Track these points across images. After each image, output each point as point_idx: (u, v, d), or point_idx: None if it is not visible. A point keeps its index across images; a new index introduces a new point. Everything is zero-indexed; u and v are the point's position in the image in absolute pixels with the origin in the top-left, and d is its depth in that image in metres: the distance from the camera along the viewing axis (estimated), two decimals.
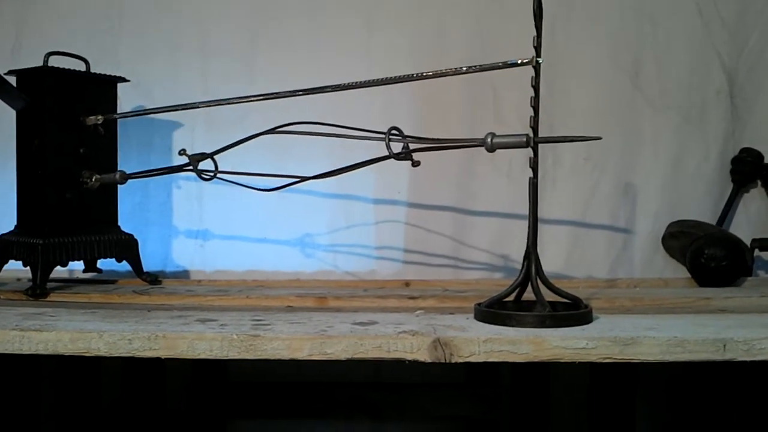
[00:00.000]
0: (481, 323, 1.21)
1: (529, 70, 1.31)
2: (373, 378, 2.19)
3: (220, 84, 2.31)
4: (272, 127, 1.62)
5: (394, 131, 1.37)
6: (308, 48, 2.29)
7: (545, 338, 1.06)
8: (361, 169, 1.57)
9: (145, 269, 2.01)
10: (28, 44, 2.37)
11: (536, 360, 1.04)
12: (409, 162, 1.39)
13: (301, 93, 1.61)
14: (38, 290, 1.73)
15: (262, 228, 2.33)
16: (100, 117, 1.84)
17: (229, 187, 2.23)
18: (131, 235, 2.00)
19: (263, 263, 2.31)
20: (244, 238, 2.33)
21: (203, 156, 1.65)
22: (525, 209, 2.33)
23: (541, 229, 2.30)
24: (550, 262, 2.20)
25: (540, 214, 2.31)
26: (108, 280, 2.07)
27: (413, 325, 1.18)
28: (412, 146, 1.38)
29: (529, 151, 1.34)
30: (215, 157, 1.69)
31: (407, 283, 2.00)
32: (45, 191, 1.80)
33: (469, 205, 2.27)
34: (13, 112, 1.88)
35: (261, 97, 1.67)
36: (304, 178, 1.65)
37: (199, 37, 2.34)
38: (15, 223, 1.89)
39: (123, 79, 1.98)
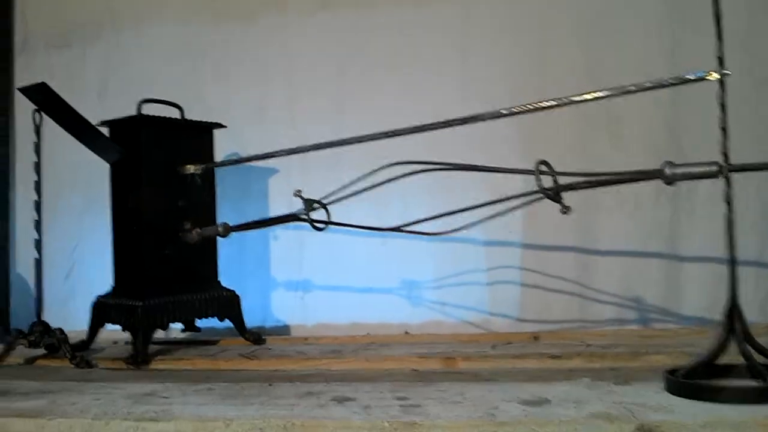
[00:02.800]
0: (681, 399, 0.99)
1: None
2: None
3: (309, 122, 2.17)
4: (378, 167, 1.46)
5: (542, 165, 1.17)
6: (399, 79, 2.14)
7: None
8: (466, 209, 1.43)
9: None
10: (114, 90, 2.30)
11: None
12: (526, 198, 1.21)
13: (419, 129, 1.43)
14: (140, 358, 1.59)
15: (366, 277, 2.15)
16: (198, 166, 1.72)
17: (331, 235, 2.09)
18: (233, 291, 1.86)
19: (368, 314, 2.13)
20: (346, 288, 2.16)
21: (316, 203, 1.48)
22: (656, 246, 2.11)
23: (679, 267, 2.08)
24: (692, 305, 1.96)
25: (676, 251, 2.10)
26: (208, 341, 1.93)
27: (597, 404, 0.97)
28: (565, 181, 1.19)
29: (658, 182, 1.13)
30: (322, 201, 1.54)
31: (536, 337, 1.78)
32: (143, 248, 1.68)
33: (593, 243, 2.03)
34: (105, 165, 1.80)
35: (373, 137, 1.51)
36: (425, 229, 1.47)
37: (285, 73, 2.22)
38: (111, 283, 1.79)
39: (219, 125, 1.85)
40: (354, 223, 1.53)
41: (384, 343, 1.78)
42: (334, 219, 1.50)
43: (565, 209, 1.18)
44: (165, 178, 1.71)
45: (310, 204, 1.45)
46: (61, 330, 1.64)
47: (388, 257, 2.12)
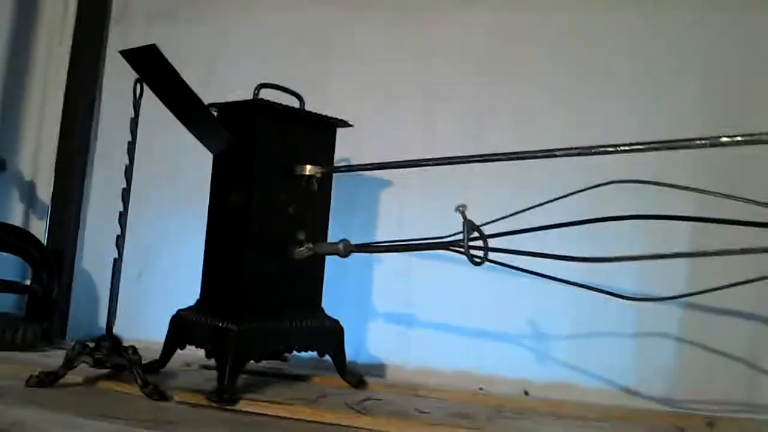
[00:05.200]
0: None
1: None
2: None
3: (445, 139, 1.86)
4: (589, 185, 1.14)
5: None
6: (545, 89, 1.81)
7: None
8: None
9: None
10: (218, 77, 2.02)
11: None
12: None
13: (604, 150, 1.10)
14: (226, 395, 1.28)
15: (482, 319, 1.81)
16: (319, 169, 1.41)
17: (445, 264, 1.77)
18: (337, 322, 1.54)
19: (478, 364, 1.79)
20: (457, 329, 1.83)
21: (476, 231, 1.15)
22: None
23: None
24: None
25: None
26: (299, 376, 1.61)
27: None
28: None
29: None
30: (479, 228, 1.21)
31: (710, 423, 1.41)
32: (245, 259, 1.37)
33: None
34: (193, 156, 1.53)
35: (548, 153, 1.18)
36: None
37: (424, 80, 1.90)
38: (196, 296, 1.50)
39: (346, 124, 1.55)
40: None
41: (518, 411, 1.44)
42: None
43: None
44: (278, 178, 1.41)
45: (472, 230, 1.12)
46: (134, 349, 1.34)
47: (514, 299, 1.77)
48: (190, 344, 1.44)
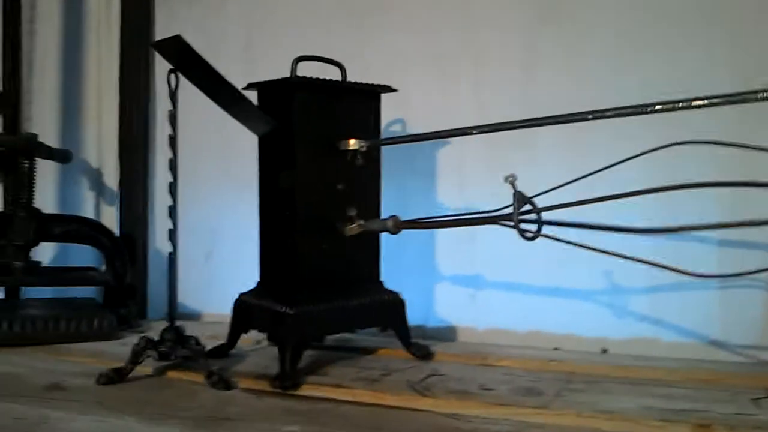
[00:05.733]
0: None
1: None
2: None
3: (495, 96, 1.76)
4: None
5: None
6: (605, 44, 1.67)
7: None
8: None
9: None
10: (260, 50, 1.99)
11: None
12: None
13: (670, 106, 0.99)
14: (288, 381, 1.28)
15: (553, 275, 1.73)
16: (363, 142, 1.36)
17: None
18: (397, 295, 1.51)
19: (552, 323, 1.73)
20: (527, 288, 1.76)
21: (529, 203, 1.08)
22: None
23: None
24: None
25: None
26: (365, 349, 1.60)
27: None
28: None
29: None
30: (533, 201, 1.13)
31: None
32: (296, 240, 1.35)
33: None
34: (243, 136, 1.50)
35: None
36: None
37: (471, 42, 1.80)
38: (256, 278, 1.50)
39: (388, 89, 1.48)
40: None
41: (590, 378, 1.37)
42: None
43: None
44: (322, 154, 1.37)
45: (523, 202, 1.05)
46: (197, 340, 1.36)
47: (586, 254, 1.68)
48: (252, 328, 1.45)
